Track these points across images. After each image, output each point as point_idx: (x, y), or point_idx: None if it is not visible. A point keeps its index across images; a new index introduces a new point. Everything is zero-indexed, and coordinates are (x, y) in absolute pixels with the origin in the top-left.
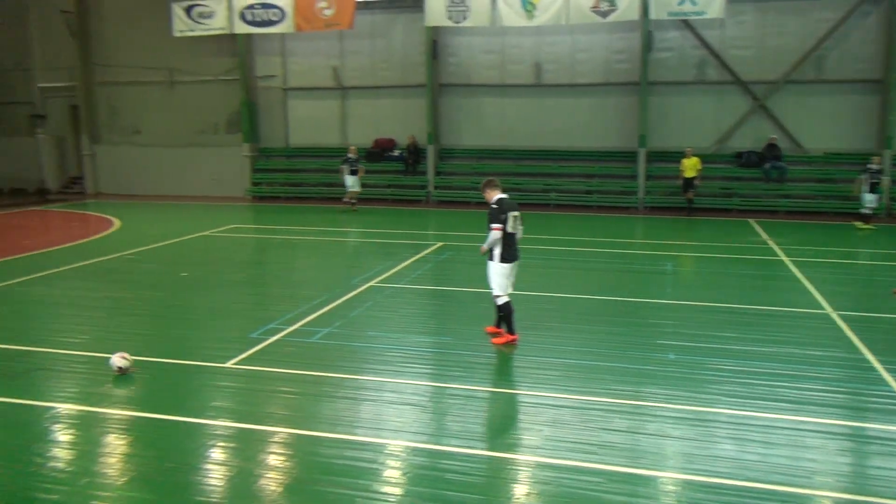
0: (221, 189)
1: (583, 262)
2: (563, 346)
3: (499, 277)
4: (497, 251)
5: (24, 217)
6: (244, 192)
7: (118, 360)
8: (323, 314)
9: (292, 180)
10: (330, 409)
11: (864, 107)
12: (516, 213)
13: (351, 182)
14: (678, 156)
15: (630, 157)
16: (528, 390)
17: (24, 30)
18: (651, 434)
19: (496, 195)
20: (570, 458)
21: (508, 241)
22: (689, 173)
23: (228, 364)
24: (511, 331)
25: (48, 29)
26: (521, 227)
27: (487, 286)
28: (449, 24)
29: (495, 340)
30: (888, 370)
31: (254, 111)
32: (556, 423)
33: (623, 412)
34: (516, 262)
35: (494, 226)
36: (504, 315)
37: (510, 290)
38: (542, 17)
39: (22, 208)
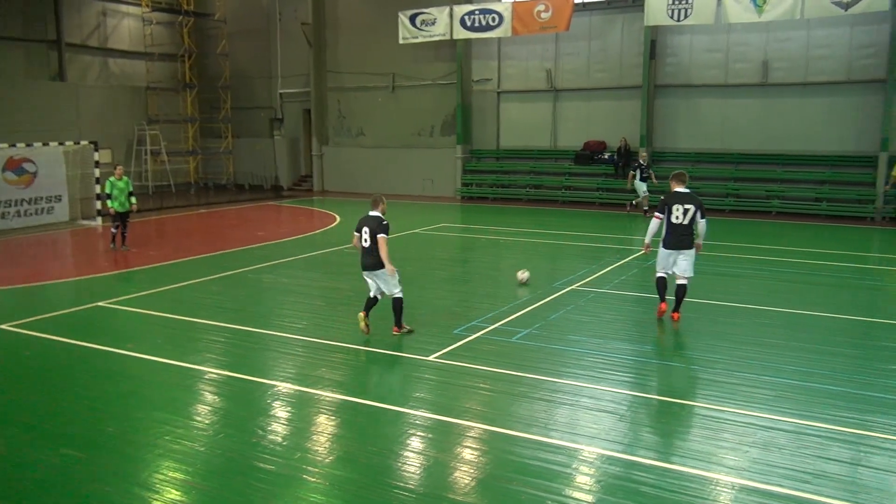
0: (433, 189)
1: (808, 276)
2: (780, 364)
3: (659, 258)
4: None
5: (260, 211)
6: (454, 192)
7: (522, 274)
8: (524, 315)
9: (501, 182)
10: (526, 409)
11: None
12: (688, 207)
13: (644, 188)
14: None
15: (869, 161)
16: (736, 408)
17: (269, 42)
18: (875, 468)
19: (675, 188)
20: (779, 485)
21: (671, 229)
22: None
23: (431, 357)
24: (661, 299)
25: (289, 40)
26: (701, 221)
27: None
28: (670, 22)
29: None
30: None
31: (468, 114)
32: (767, 446)
33: (844, 441)
34: (678, 251)
35: (656, 213)
36: (657, 287)
37: (669, 272)
38: (774, 12)
39: (259, 202)
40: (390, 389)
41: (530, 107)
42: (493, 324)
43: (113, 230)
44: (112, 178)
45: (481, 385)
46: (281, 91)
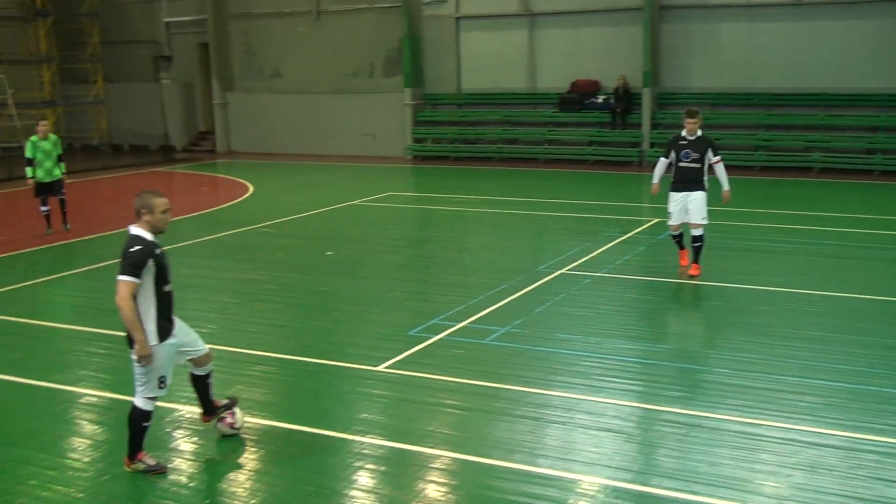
0: (376, 147)
1: (857, 250)
2: (827, 363)
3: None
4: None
5: (145, 179)
6: (404, 150)
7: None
8: (500, 308)
9: (464, 135)
10: (506, 430)
11: None
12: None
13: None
14: None
15: None
16: (775, 420)
17: None
18: None
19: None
20: None
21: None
22: None
23: (381, 367)
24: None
25: None
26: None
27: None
28: None
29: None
30: None
31: (418, 48)
32: (814, 468)
33: None
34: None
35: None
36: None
37: (677, 222)
38: None
39: (143, 169)
40: (329, 411)
41: (500, 37)
42: (460, 321)
43: (43, 209)
44: (34, 138)
45: (447, 401)
46: (167, 19)
